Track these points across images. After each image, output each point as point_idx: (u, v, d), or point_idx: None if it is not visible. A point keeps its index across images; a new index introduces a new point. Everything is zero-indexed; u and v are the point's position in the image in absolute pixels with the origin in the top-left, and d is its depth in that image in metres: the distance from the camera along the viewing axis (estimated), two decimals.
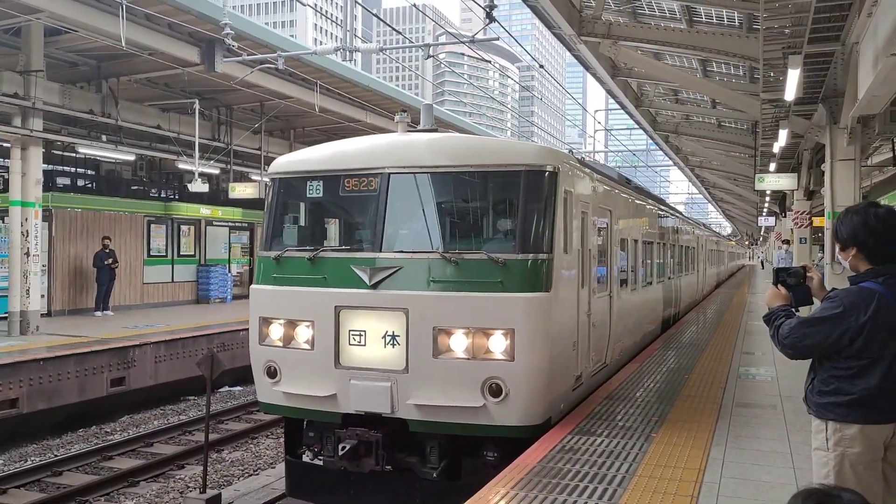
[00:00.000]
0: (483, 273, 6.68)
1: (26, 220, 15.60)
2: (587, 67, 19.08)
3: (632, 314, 11.41)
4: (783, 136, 15.95)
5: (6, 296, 16.10)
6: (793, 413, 7.77)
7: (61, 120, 18.24)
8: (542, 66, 21.79)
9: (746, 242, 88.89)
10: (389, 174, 7.15)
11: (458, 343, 6.66)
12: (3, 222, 17.21)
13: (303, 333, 7.25)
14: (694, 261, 22.22)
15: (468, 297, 6.67)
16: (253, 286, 7.81)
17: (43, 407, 12.24)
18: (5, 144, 17.05)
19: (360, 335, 6.92)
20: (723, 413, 7.88)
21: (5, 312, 15.98)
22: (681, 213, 20.91)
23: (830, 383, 3.53)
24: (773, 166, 21.74)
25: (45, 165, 17.91)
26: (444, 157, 7.24)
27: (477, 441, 6.81)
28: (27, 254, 15.61)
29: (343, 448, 6.69)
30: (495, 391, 6.55)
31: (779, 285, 3.81)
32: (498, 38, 16.29)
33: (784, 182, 22.22)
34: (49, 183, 19.76)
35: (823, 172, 15.54)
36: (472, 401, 6.59)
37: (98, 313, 19.06)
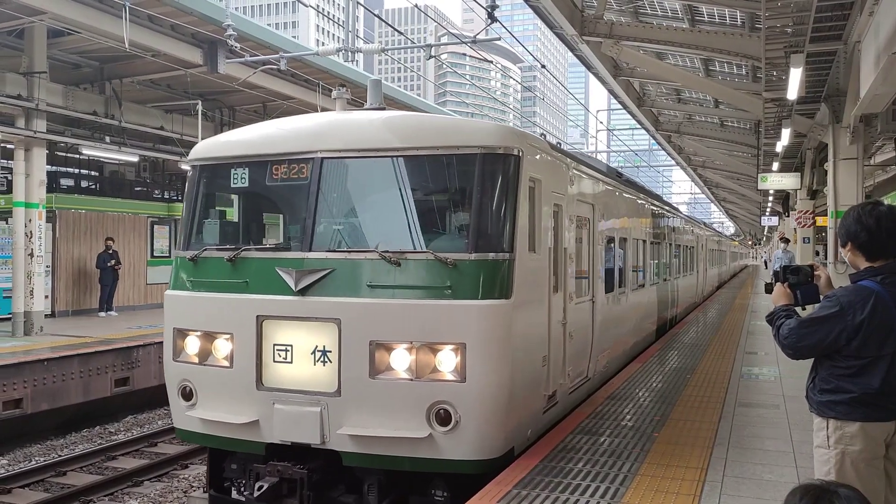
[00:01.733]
0: (429, 276, 5.70)
1: (30, 221, 15.65)
2: (589, 67, 19.10)
3: (620, 320, 10.56)
4: (786, 136, 15.94)
5: (10, 297, 16.16)
6: (796, 413, 7.77)
7: (64, 121, 18.30)
8: (543, 67, 21.80)
9: (750, 242, 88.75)
10: (321, 159, 6.13)
11: (400, 360, 5.66)
12: (7, 223, 17.26)
13: (221, 348, 6.24)
14: (693, 261, 21.49)
15: (411, 306, 5.67)
16: (167, 292, 6.74)
17: (47, 407, 12.27)
18: (9, 146, 17.09)
19: (286, 350, 5.91)
20: (725, 412, 7.88)
21: (9, 313, 16.04)
22: (679, 212, 19.90)
23: (831, 381, 3.53)
24: (776, 166, 21.73)
25: (49, 167, 17.97)
26: (384, 138, 6.24)
27: (426, 475, 5.82)
28: (31, 255, 15.66)
29: (261, 487, 5.69)
30: (443, 418, 5.53)
31: (785, 284, 3.81)
32: (500, 39, 16.29)
33: (787, 181, 22.22)
34: (53, 184, 19.84)
35: (826, 172, 15.55)
36: (415, 430, 5.55)
37: (102, 314, 19.11)
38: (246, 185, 6.65)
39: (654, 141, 33.75)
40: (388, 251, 5.75)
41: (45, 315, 16.24)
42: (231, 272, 6.27)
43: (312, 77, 18.86)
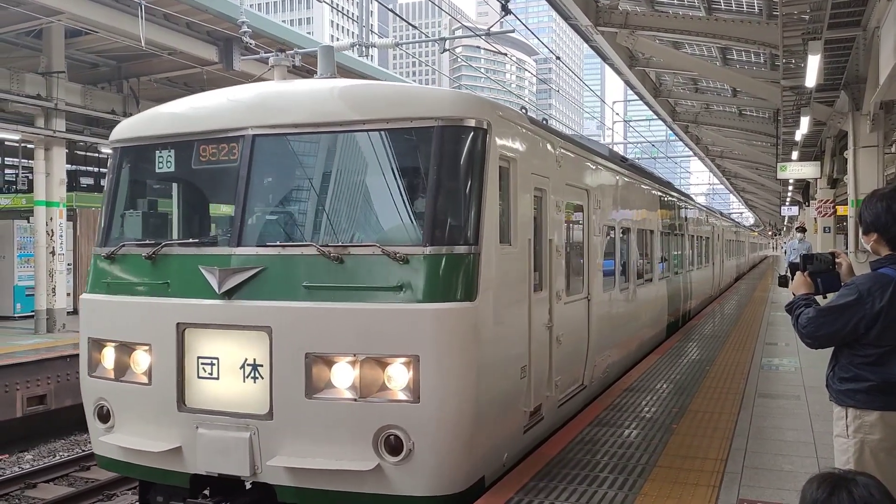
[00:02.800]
0: (376, 274, 4.83)
1: (51, 219, 15.85)
2: (604, 58, 18.99)
3: (624, 319, 9.65)
4: (805, 124, 15.75)
5: (32, 294, 16.39)
6: (817, 403, 7.70)
7: (83, 120, 18.50)
8: (559, 59, 21.70)
9: (770, 232, 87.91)
10: (253, 137, 5.27)
11: (342, 376, 4.83)
12: (29, 222, 17.50)
13: (140, 361, 5.42)
14: (709, 253, 20.44)
15: (354, 311, 4.79)
16: (82, 296, 5.94)
17: (70, 403, 12.44)
18: (29, 145, 17.31)
19: (212, 364, 5.09)
20: (745, 403, 7.83)
21: (32, 311, 16.27)
22: (693, 200, 18.56)
23: (850, 370, 3.50)
24: (795, 154, 21.49)
25: (69, 166, 18.16)
26: (324, 111, 5.33)
27: None
28: (52, 253, 15.87)
29: None
30: (394, 446, 4.69)
31: (805, 273, 3.78)
32: (514, 31, 16.25)
33: (807, 170, 21.96)
34: (73, 183, 20.07)
35: (846, 160, 15.36)
36: (361, 460, 4.74)
37: None
38: (172, 169, 5.74)
39: (671, 132, 33.51)
40: (327, 245, 4.95)
41: (67, 312, 16.46)
42: (150, 272, 5.44)
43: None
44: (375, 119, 5.14)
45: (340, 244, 4.98)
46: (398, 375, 4.76)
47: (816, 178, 22.51)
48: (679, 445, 6.24)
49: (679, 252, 15.13)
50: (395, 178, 5.28)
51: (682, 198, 16.23)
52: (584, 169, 7.98)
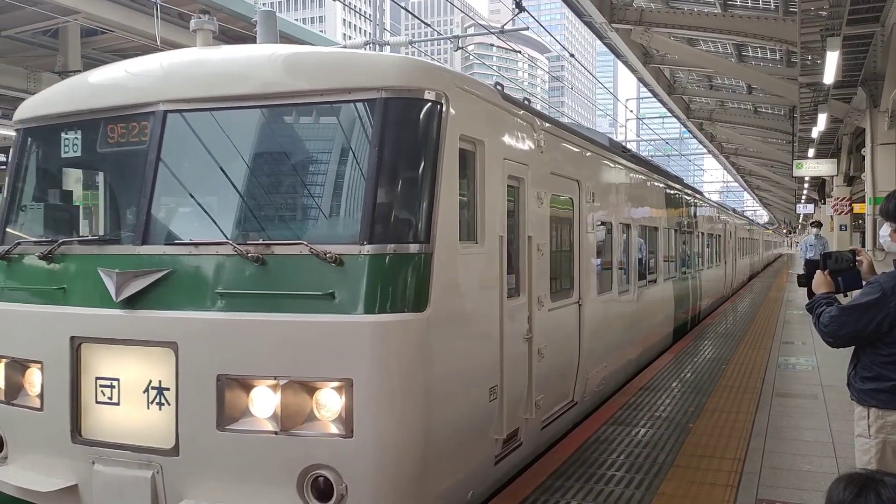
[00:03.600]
0: (304, 279, 4.03)
1: None
2: (618, 55, 18.91)
3: (623, 325, 8.74)
4: (822, 121, 15.62)
5: None
6: (835, 402, 7.64)
7: None
8: (572, 56, 21.61)
9: (784, 230, 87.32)
10: (164, 113, 4.45)
11: (261, 404, 4.04)
12: None
13: (34, 382, 4.60)
14: (721, 251, 19.49)
15: (276, 324, 3.99)
16: None
17: None
18: None
19: (111, 387, 4.29)
20: (762, 403, 7.78)
21: None
22: (703, 196, 17.61)
23: (873, 369, 3.47)
24: (811, 152, 21.33)
25: None
26: (246, 81, 4.45)
27: None
28: None
29: None
30: (322, 491, 3.93)
31: (826, 271, 3.74)
32: (527, 28, 16.22)
33: (823, 168, 21.80)
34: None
35: (864, 157, 15.23)
36: None
37: None
38: (79, 154, 4.89)
39: (685, 129, 33.34)
40: (246, 242, 4.15)
41: None
42: (46, 275, 4.62)
43: None
44: (306, 91, 4.29)
45: (261, 242, 4.13)
46: (328, 403, 3.96)
47: (833, 176, 22.35)
48: (696, 445, 6.21)
49: (688, 251, 14.28)
50: (330, 162, 4.47)
51: (692, 193, 15.30)
52: (574, 157, 7.06)
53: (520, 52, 22.11)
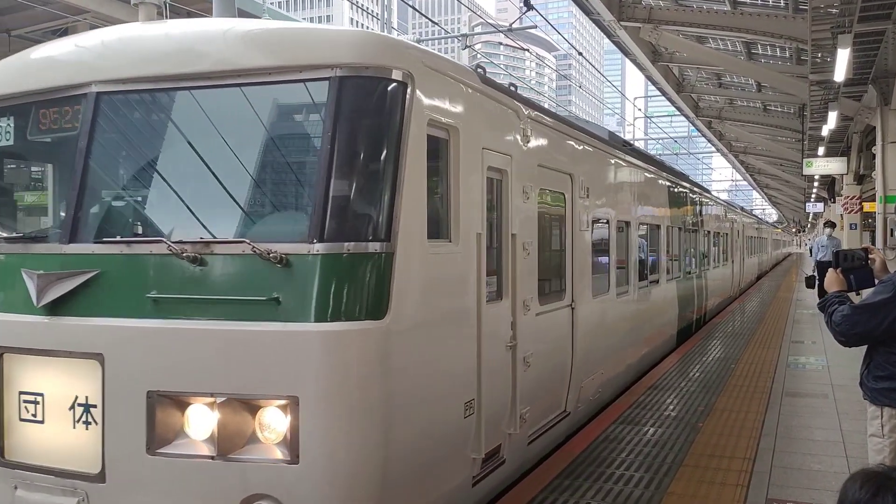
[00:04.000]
0: (247, 282, 3.62)
1: None
2: (626, 53, 18.86)
3: (621, 330, 8.26)
4: (832, 119, 15.54)
5: None
6: (845, 402, 7.59)
7: None
8: (580, 54, 21.56)
9: (794, 230, 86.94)
10: (97, 95, 4.00)
11: (197, 424, 3.63)
12: None
13: None
14: (728, 250, 18.98)
15: (214, 333, 3.59)
16: None
17: None
18: None
19: (35, 403, 3.89)
20: (772, 402, 7.74)
21: None
22: (710, 194, 16.98)
23: (886, 368, 3.44)
24: (821, 150, 21.23)
25: None
26: (188, 59, 3.97)
27: None
28: None
29: None
30: None
31: (838, 270, 3.71)
32: (535, 27, 16.19)
33: (833, 166, 21.69)
34: None
35: (874, 156, 15.15)
36: None
37: None
38: (11, 141, 4.41)
39: (693, 127, 33.23)
40: (183, 241, 3.69)
41: None
42: None
43: None
44: (252, 69, 3.81)
45: (199, 240, 3.69)
46: (272, 424, 3.53)
47: (843, 174, 22.23)
48: (706, 444, 6.18)
49: (693, 250, 13.74)
50: (278, 150, 3.99)
51: (698, 191, 14.69)
52: (566, 149, 6.57)
53: (528, 50, 22.06)
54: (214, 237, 3.72)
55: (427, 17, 18.55)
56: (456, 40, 16.74)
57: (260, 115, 3.93)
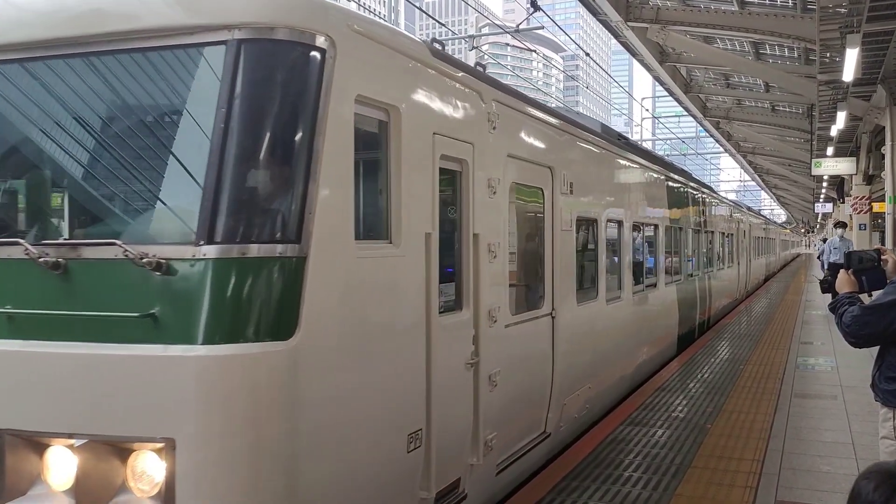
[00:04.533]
0: (117, 294, 2.97)
1: None
2: (634, 54, 18.83)
3: (613, 339, 7.57)
4: (841, 119, 15.47)
5: None
6: (854, 403, 7.55)
7: None
8: (588, 55, 21.53)
9: (803, 230, 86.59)
10: None
11: (57, 471, 3.04)
12: None
13: None
14: (734, 251, 18.30)
15: (76, 358, 2.95)
16: None
17: None
18: None
19: None
20: (781, 404, 7.70)
21: None
22: (714, 192, 16.16)
23: None
24: (830, 150, 21.15)
25: None
26: (54, 22, 3.27)
27: None
28: None
29: None
30: None
31: (850, 271, 3.69)
32: (542, 28, 16.17)
33: (842, 166, 21.59)
34: None
35: (883, 156, 15.05)
36: None
37: None
38: None
39: (701, 128, 33.12)
40: (45, 242, 3.11)
41: None
42: None
43: None
44: (132, 31, 3.12)
45: (65, 241, 3.08)
46: (147, 472, 2.91)
47: (852, 175, 22.12)
48: (714, 446, 6.15)
49: (696, 251, 13.01)
50: (163, 130, 3.26)
51: (701, 190, 13.89)
52: (545, 139, 5.89)
53: (535, 51, 22.04)
54: (81, 238, 3.07)
55: (434, 19, 18.58)
56: (463, 41, 16.73)
57: (141, 87, 3.22)
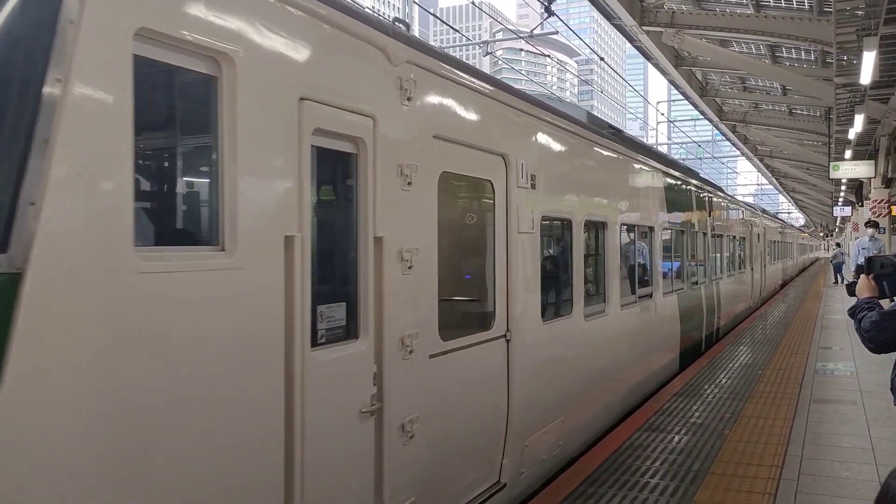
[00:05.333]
0: None
1: None
2: (649, 58, 18.80)
3: (593, 360, 6.53)
4: (859, 122, 15.34)
5: None
6: (875, 408, 7.49)
7: None
8: (602, 59, 21.50)
9: (821, 234, 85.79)
10: None
11: None
12: None
13: None
14: (747, 256, 17.35)
15: None
16: None
17: None
18: None
19: None
20: (800, 409, 7.65)
21: None
22: (722, 192, 14.97)
23: None
24: (848, 153, 20.97)
25: None
26: None
27: None
28: None
29: None
30: None
31: (870, 276, 3.68)
32: (556, 32, 16.20)
33: (860, 170, 21.39)
34: None
35: None
36: None
37: None
38: None
39: (717, 131, 32.96)
40: None
41: None
42: None
43: None
44: None
45: None
46: None
47: (870, 178, 21.92)
48: (732, 452, 6.12)
49: (702, 256, 11.96)
50: None
51: (707, 189, 12.63)
52: (495, 119, 4.82)
53: (549, 56, 22.05)
54: None
55: (448, 25, 18.63)
56: (477, 47, 16.77)
57: None
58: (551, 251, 6.14)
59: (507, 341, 4.85)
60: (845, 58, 11.89)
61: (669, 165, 10.27)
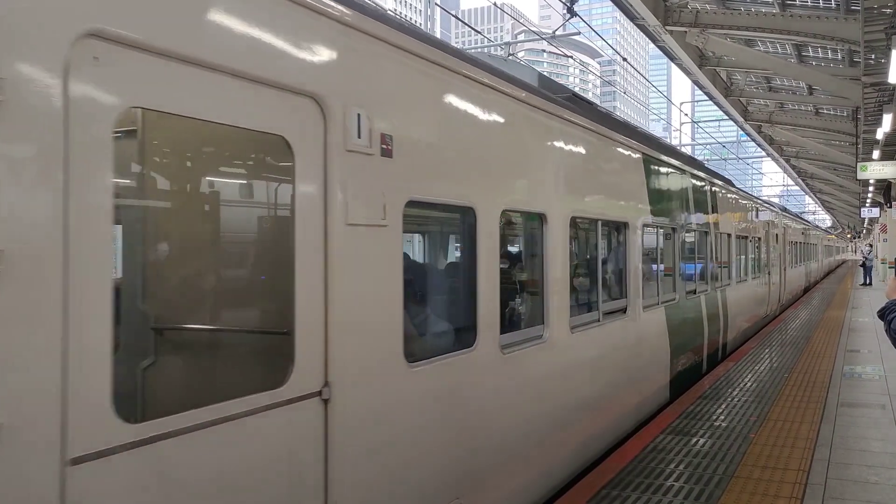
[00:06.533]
0: None
1: None
2: (672, 58, 18.67)
3: (515, 411, 4.60)
4: (887, 122, 15.10)
5: None
6: None
7: None
8: (625, 60, 21.39)
9: (849, 235, 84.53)
10: None
11: None
12: None
13: None
14: (764, 260, 16.03)
15: None
16: None
17: None
18: None
19: None
20: (827, 413, 7.54)
21: None
22: (732, 186, 13.14)
23: None
24: (876, 154, 20.66)
25: None
26: None
27: None
28: None
29: None
30: None
31: None
32: (579, 33, 16.15)
33: (889, 170, 21.08)
34: None
35: None
36: None
37: None
38: None
39: (742, 132, 32.63)
40: None
41: None
42: None
43: None
44: None
45: None
46: None
47: None
48: (758, 455, 6.05)
49: (702, 259, 10.37)
50: None
51: (710, 180, 10.97)
52: (290, 31, 2.87)
53: (571, 57, 22.00)
54: None
55: (470, 27, 18.65)
56: (499, 49, 16.79)
57: None
58: (432, 252, 4.59)
59: (325, 402, 2.99)
60: (873, 57, 11.73)
61: (656, 148, 8.30)
